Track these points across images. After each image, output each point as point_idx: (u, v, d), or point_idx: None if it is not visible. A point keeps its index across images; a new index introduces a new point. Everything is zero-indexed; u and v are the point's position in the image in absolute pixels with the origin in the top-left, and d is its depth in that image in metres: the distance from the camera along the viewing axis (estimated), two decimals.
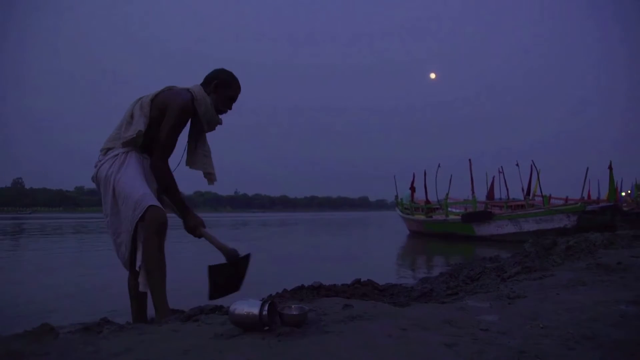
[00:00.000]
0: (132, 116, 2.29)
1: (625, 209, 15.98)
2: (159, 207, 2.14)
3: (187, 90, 2.30)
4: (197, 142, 2.46)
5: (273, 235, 15.90)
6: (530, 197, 13.72)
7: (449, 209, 14.35)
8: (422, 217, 15.51)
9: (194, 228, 2.27)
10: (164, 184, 2.24)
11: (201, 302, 2.18)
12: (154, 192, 2.25)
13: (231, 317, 1.60)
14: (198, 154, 2.47)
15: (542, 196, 13.26)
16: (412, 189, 17.01)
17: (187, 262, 6.45)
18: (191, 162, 2.46)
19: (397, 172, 20.89)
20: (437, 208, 15.17)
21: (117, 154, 2.24)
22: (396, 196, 18.92)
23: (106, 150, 2.31)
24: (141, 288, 2.18)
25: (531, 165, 14.21)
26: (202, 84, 2.38)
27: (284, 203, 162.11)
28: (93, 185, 2.35)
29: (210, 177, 2.52)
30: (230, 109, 2.44)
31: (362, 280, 3.45)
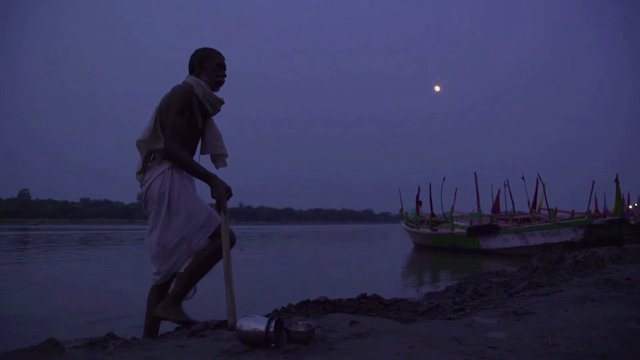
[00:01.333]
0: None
1: (632, 222, 15.86)
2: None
3: (184, 82, 2.38)
4: (205, 128, 2.49)
5: (278, 247, 15.86)
6: (537, 210, 13.66)
7: (455, 222, 14.30)
8: (427, 230, 15.44)
9: (217, 199, 2.24)
10: (182, 165, 2.26)
11: (214, 315, 2.18)
12: None
13: (237, 334, 1.59)
14: (207, 139, 2.49)
15: (548, 209, 13.20)
16: (418, 202, 16.97)
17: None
18: (203, 149, 2.50)
19: (402, 185, 20.86)
20: (443, 221, 15.11)
21: (164, 171, 2.28)
22: (401, 209, 18.87)
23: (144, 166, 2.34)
24: (182, 269, 2.27)
25: (537, 178, 14.18)
26: (189, 74, 2.44)
27: (289, 215, 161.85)
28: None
29: (220, 158, 2.53)
30: (225, 75, 2.48)
31: (367, 295, 3.42)
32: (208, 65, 2.42)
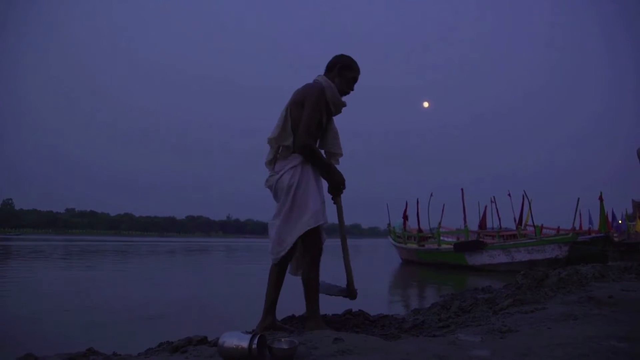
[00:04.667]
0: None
1: (616, 239, 16.06)
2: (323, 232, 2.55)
3: (315, 81, 2.61)
4: (326, 126, 2.71)
5: (263, 260, 15.76)
6: (522, 227, 13.78)
7: (442, 238, 14.36)
8: (414, 245, 15.48)
9: (336, 184, 2.60)
10: (314, 159, 2.51)
11: (197, 331, 2.14)
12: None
13: (220, 350, 1.58)
14: (327, 136, 2.73)
15: (534, 226, 13.33)
16: (405, 217, 17.04)
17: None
18: (321, 145, 2.73)
19: (390, 200, 20.96)
20: (430, 237, 15.16)
21: (295, 166, 2.48)
22: (389, 224, 18.92)
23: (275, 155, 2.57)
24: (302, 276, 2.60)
25: (523, 195, 14.33)
26: (325, 73, 2.67)
27: None
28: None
29: (335, 157, 2.75)
30: (353, 89, 2.71)
31: (353, 311, 3.40)
32: (346, 74, 2.64)
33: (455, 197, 15.34)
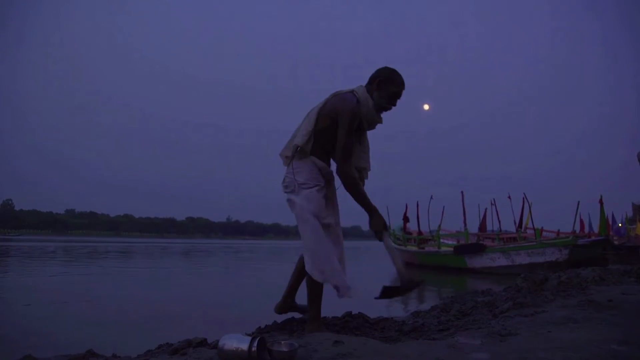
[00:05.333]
0: (298, 129, 2.50)
1: (616, 242, 16.06)
2: None
3: (352, 93, 2.44)
4: (357, 139, 2.56)
5: (266, 262, 15.75)
6: (522, 230, 13.78)
7: (441, 240, 14.35)
8: (414, 248, 15.48)
9: (376, 231, 2.48)
10: (351, 189, 2.40)
11: (197, 333, 2.14)
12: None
13: (220, 353, 1.58)
14: (357, 149, 2.56)
15: (534, 229, 13.33)
16: (405, 219, 17.03)
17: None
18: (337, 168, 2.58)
19: (390, 202, 20.95)
20: (430, 239, 15.17)
21: (310, 187, 2.41)
22: (389, 226, 18.90)
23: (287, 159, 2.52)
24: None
25: (523, 198, 14.33)
26: (366, 84, 2.51)
27: (276, 231, 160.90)
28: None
29: (363, 171, 2.64)
30: (395, 105, 2.55)
31: (353, 313, 3.40)
32: (386, 88, 2.47)
33: (455, 200, 15.38)
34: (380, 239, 2.49)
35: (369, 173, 2.68)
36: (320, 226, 2.37)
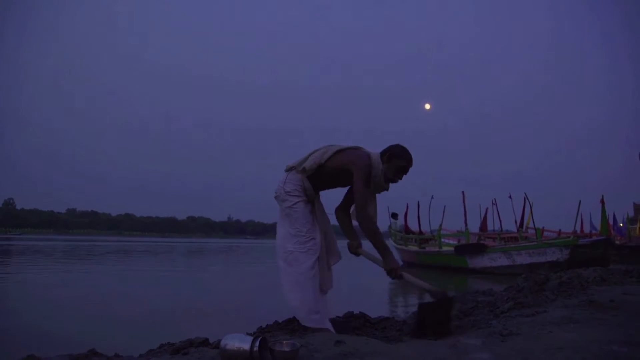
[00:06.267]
0: (314, 153, 2.81)
1: (617, 242, 16.03)
2: None
3: (368, 155, 2.75)
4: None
5: (266, 262, 15.75)
6: (524, 230, 13.76)
7: (442, 240, 14.33)
8: (415, 247, 15.46)
9: (390, 271, 2.65)
10: (368, 232, 2.63)
11: (199, 333, 2.15)
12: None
13: (221, 352, 1.58)
14: (373, 202, 2.86)
15: (535, 229, 13.31)
16: (405, 218, 17.02)
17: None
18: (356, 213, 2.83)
19: (390, 202, 20.92)
20: (431, 239, 15.16)
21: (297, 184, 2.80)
22: (389, 226, 18.88)
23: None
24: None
25: (524, 198, 14.31)
26: (380, 153, 2.79)
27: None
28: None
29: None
30: (401, 178, 2.81)
31: (354, 313, 3.41)
32: (394, 163, 2.75)
33: (456, 199, 15.37)
34: (394, 278, 2.66)
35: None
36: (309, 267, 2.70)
